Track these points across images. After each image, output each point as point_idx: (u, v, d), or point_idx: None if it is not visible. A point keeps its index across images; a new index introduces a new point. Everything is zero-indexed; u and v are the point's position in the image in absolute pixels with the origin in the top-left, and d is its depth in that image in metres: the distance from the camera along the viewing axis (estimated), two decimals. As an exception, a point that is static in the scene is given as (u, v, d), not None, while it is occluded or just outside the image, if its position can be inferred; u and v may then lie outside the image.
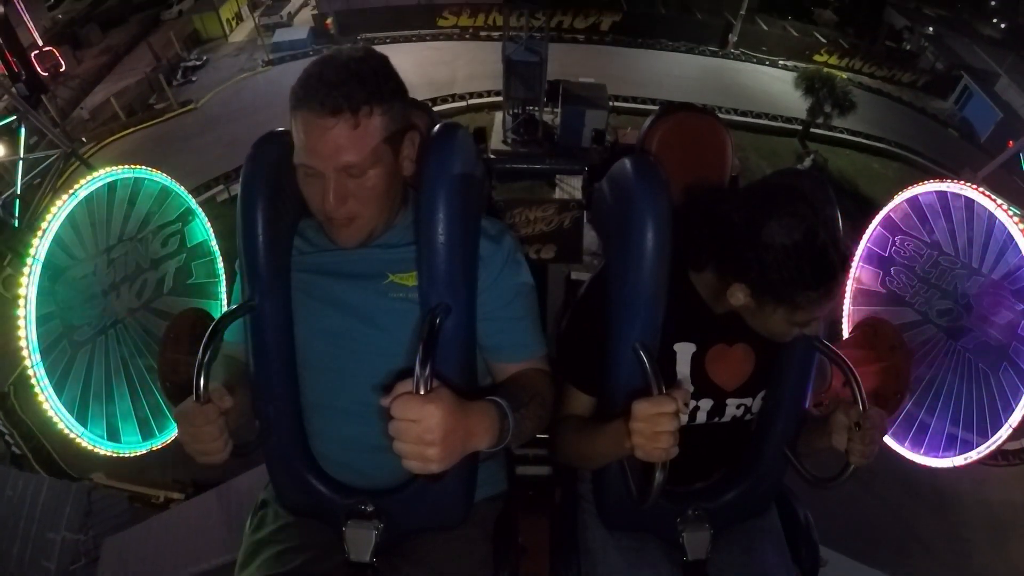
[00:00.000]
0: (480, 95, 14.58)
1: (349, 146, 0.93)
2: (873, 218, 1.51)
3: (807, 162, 12.54)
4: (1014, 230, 1.22)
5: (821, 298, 0.98)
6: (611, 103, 13.38)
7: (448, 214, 0.98)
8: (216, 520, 3.18)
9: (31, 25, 15.39)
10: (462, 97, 14.46)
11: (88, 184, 1.24)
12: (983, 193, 1.27)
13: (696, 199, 1.12)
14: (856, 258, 1.53)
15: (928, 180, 1.42)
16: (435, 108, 13.28)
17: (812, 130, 14.18)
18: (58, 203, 1.18)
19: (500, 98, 13.07)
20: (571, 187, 10.67)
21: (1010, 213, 1.23)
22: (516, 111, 12.90)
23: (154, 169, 1.39)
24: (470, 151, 1.06)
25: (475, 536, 1.16)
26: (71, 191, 1.21)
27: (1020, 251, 1.21)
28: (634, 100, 14.95)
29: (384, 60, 1.00)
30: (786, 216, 0.95)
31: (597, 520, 1.24)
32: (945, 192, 1.36)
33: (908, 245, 1.43)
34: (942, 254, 1.36)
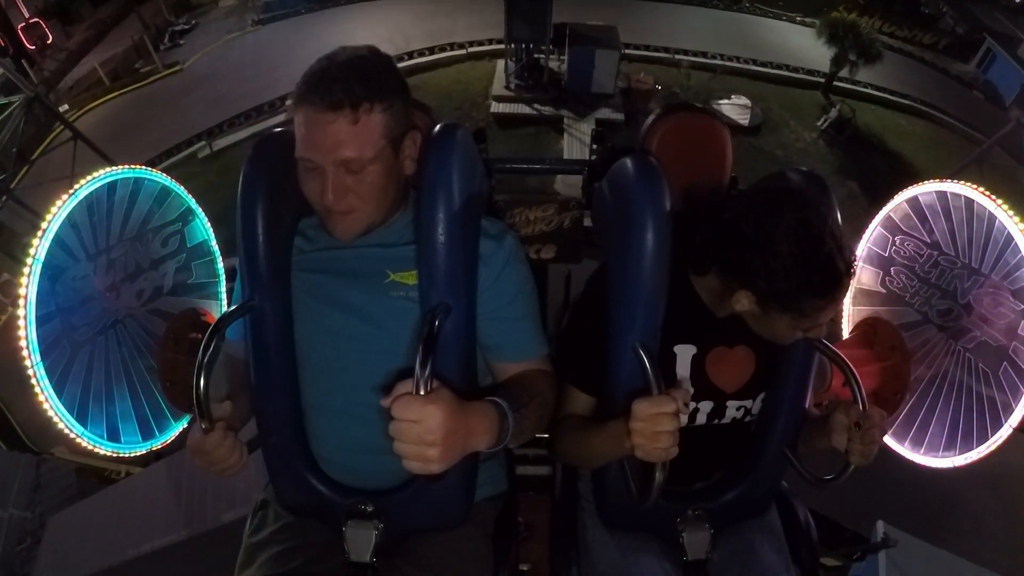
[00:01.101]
0: (481, 43, 13.54)
1: (349, 141, 0.94)
2: (873, 218, 1.51)
3: (832, 113, 11.82)
4: (1014, 230, 1.22)
5: (827, 305, 0.98)
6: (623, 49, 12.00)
7: (448, 214, 0.98)
8: (165, 494, 2.82)
9: (19, 1, 15.06)
10: (461, 46, 13.46)
11: (88, 184, 1.24)
12: (983, 193, 1.27)
13: (699, 202, 1.12)
14: (856, 258, 1.53)
15: (928, 180, 1.42)
16: (433, 57, 12.64)
17: (835, 83, 13.25)
18: (58, 203, 1.18)
19: (502, 46, 11.82)
20: (581, 132, 10.20)
21: (1010, 213, 1.23)
22: (520, 56, 11.53)
23: (154, 169, 1.39)
24: (470, 151, 1.06)
25: (475, 536, 1.16)
26: (71, 191, 1.21)
27: (1020, 251, 1.21)
28: (647, 48, 13.74)
29: (388, 59, 1.01)
30: (792, 223, 0.94)
31: (597, 520, 1.24)
32: (945, 192, 1.36)
33: (908, 245, 1.43)
34: (942, 254, 1.36)
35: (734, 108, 11.59)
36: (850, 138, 11.74)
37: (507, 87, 11.53)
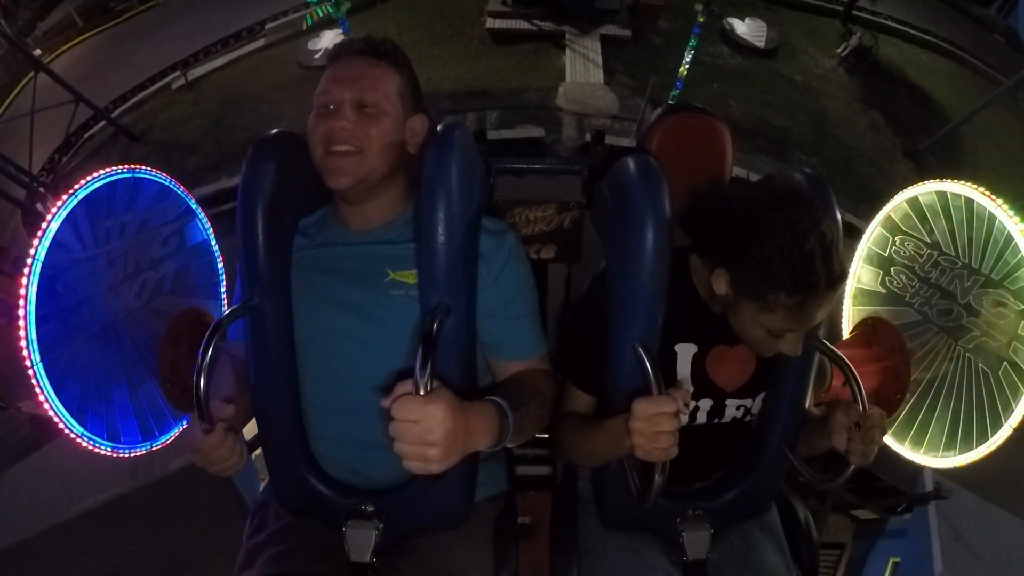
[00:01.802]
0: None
1: (367, 77, 1.05)
2: (873, 218, 1.51)
3: (853, 41, 11.07)
4: (1014, 230, 1.22)
5: (795, 307, 0.96)
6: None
7: (448, 214, 0.98)
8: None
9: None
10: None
11: (88, 184, 1.24)
12: (983, 193, 1.27)
13: (712, 186, 1.12)
14: (856, 258, 1.53)
15: (928, 180, 1.42)
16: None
17: (855, 12, 12.36)
18: (58, 203, 1.18)
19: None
20: (584, 48, 9.63)
21: (1010, 213, 1.23)
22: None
23: (154, 169, 1.39)
24: (470, 151, 1.06)
25: (475, 536, 1.16)
26: (71, 191, 1.20)
27: (1020, 251, 1.21)
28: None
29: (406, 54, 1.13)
30: (781, 217, 0.95)
31: (597, 520, 1.24)
32: (945, 192, 1.36)
33: (908, 245, 1.43)
34: (942, 254, 1.36)
35: (749, 29, 10.82)
36: (871, 68, 10.93)
37: (504, 2, 10.63)
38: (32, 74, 7.36)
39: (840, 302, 1.54)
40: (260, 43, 9.17)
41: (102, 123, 7.48)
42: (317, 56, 7.81)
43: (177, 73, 9.72)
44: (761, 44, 10.57)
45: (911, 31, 13.37)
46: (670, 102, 4.45)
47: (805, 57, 11.20)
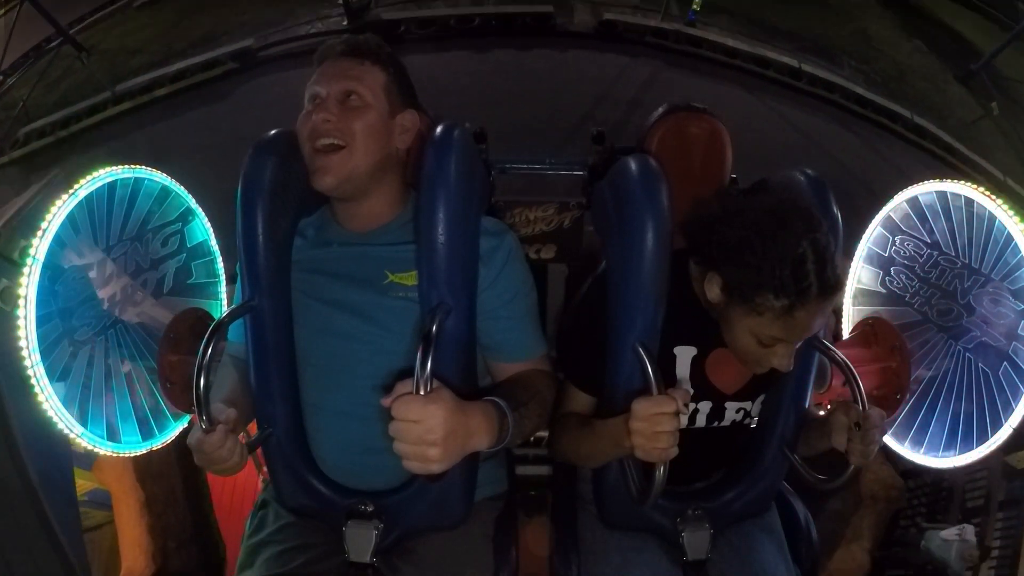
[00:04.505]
0: None
1: (352, 73, 1.06)
2: (873, 218, 1.51)
3: None
4: (1014, 230, 1.22)
5: (783, 312, 0.94)
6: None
7: (448, 214, 0.98)
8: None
9: None
10: None
11: (88, 184, 1.24)
12: (983, 193, 1.27)
13: (718, 195, 1.12)
14: (856, 258, 1.53)
15: (928, 180, 1.42)
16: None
17: None
18: (58, 203, 1.18)
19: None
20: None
21: (1010, 213, 1.23)
22: None
23: (154, 169, 1.39)
24: (470, 151, 1.06)
25: (475, 536, 1.16)
26: (71, 191, 1.21)
27: (1020, 251, 1.21)
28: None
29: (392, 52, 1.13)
30: (775, 220, 0.94)
31: (597, 520, 1.24)
32: (945, 192, 1.36)
33: (908, 245, 1.43)
34: (942, 254, 1.36)
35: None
36: (903, 4, 11.04)
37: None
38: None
39: (840, 303, 1.54)
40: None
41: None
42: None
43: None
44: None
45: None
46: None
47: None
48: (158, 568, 1.73)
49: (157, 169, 1.41)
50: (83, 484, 1.22)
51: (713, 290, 1.02)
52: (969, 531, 1.62)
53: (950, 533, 1.64)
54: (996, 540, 1.60)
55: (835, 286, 0.96)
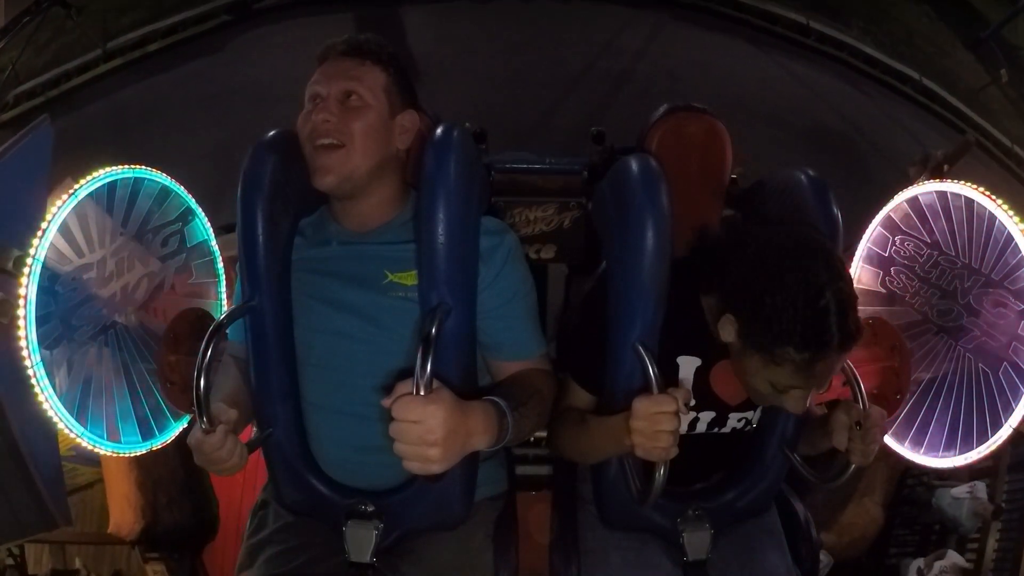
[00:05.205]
0: None
1: (353, 72, 1.06)
2: (873, 218, 1.51)
3: None
4: (1014, 230, 1.22)
5: (803, 365, 0.92)
6: None
7: (448, 214, 0.98)
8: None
9: None
10: None
11: (88, 184, 1.24)
12: (983, 193, 1.27)
13: (731, 225, 1.10)
14: (856, 258, 1.53)
15: (928, 180, 1.42)
16: None
17: None
18: (58, 203, 1.18)
19: None
20: None
21: (1010, 213, 1.23)
22: None
23: (154, 169, 1.39)
24: (470, 151, 1.06)
25: (475, 536, 1.16)
26: (71, 191, 1.21)
27: (1020, 251, 1.21)
28: None
29: (398, 55, 1.13)
30: (797, 266, 0.91)
31: (597, 520, 1.24)
32: (945, 192, 1.35)
33: (908, 245, 1.43)
34: (942, 254, 1.36)
35: None
36: None
37: None
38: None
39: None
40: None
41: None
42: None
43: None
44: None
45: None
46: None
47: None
48: (148, 523, 1.66)
49: (156, 169, 1.40)
50: (68, 439, 1.18)
51: (729, 332, 0.99)
52: (980, 488, 1.59)
53: (961, 491, 1.61)
54: (1003, 503, 1.61)
55: (856, 336, 0.93)
